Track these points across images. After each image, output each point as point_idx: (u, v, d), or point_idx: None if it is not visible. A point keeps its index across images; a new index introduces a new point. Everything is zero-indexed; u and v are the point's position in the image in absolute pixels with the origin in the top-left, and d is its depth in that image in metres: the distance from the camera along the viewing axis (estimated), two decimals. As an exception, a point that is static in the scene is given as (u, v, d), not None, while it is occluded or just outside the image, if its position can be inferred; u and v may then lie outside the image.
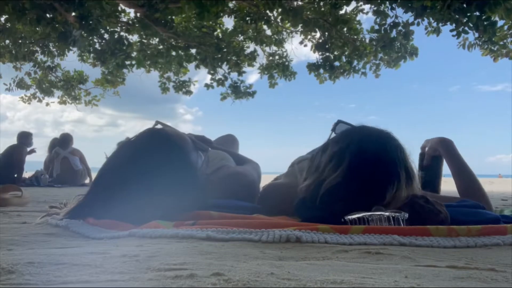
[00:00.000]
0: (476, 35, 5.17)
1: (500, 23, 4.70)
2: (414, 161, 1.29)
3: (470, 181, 1.52)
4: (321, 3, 6.85)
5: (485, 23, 4.39)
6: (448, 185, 1.89)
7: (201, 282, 0.54)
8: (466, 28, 4.58)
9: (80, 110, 10.38)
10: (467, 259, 0.77)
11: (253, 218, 1.20)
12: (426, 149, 1.73)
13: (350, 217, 1.09)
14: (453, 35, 4.76)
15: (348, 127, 1.42)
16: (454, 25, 4.60)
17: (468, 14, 4.35)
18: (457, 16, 4.42)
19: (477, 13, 4.35)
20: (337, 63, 7.91)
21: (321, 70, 7.93)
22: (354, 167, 1.20)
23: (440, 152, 1.65)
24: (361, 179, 1.19)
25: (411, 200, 1.15)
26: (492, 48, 6.02)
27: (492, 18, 4.41)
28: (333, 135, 1.43)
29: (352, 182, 1.19)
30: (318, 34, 7.61)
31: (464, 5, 4.32)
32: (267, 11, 6.98)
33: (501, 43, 5.91)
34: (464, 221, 1.09)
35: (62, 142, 6.50)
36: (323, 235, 0.96)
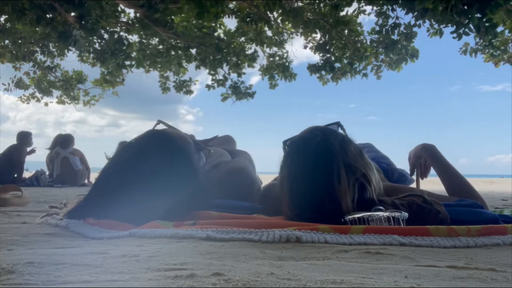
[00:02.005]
0: (477, 39, 5.17)
1: (500, 28, 4.70)
2: (359, 153, 1.26)
3: (459, 181, 1.52)
4: (321, 5, 6.84)
5: (487, 24, 4.38)
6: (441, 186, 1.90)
7: (201, 282, 0.54)
8: (467, 30, 4.57)
9: (82, 110, 10.41)
10: (467, 259, 0.77)
11: (253, 218, 1.20)
12: (411, 158, 1.73)
13: (350, 217, 1.09)
14: (453, 37, 4.75)
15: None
16: (454, 27, 4.60)
17: (470, 16, 4.34)
18: (458, 18, 4.41)
19: (479, 15, 4.35)
20: (337, 64, 7.91)
21: (323, 72, 7.93)
22: (293, 182, 1.22)
23: (425, 157, 1.66)
24: (306, 191, 1.19)
25: (409, 200, 1.15)
26: (494, 53, 6.02)
27: (494, 20, 4.41)
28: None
29: (300, 197, 1.20)
30: (318, 36, 7.61)
31: (465, 7, 4.32)
32: (268, 12, 6.98)
33: (502, 48, 5.90)
34: (464, 221, 1.09)
35: (63, 142, 6.50)
36: (323, 235, 0.96)
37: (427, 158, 1.67)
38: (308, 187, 1.18)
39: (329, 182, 1.15)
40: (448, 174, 1.56)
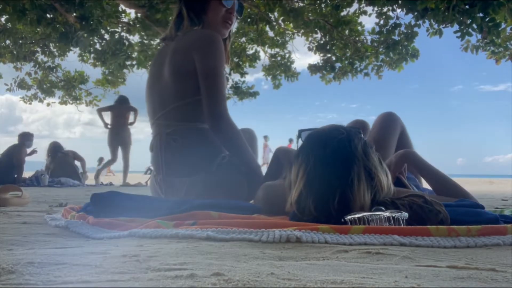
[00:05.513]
0: (479, 36, 5.15)
1: (503, 25, 4.68)
2: (379, 161, 1.24)
3: (448, 184, 1.51)
4: (322, 5, 6.84)
5: (489, 24, 4.37)
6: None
7: (201, 282, 0.54)
8: (470, 30, 4.55)
9: (91, 113, 10.42)
10: (467, 259, 0.77)
11: (253, 218, 1.20)
12: (391, 168, 1.69)
13: (350, 217, 1.09)
14: (457, 37, 4.73)
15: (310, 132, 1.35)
16: (458, 26, 4.58)
17: (472, 16, 4.33)
18: (460, 18, 4.40)
19: (481, 15, 4.34)
20: (338, 64, 7.90)
21: (323, 72, 7.93)
22: (309, 173, 1.19)
23: (408, 164, 1.62)
24: (318, 183, 1.17)
25: (409, 201, 1.15)
26: (495, 50, 6.01)
27: (497, 20, 4.39)
28: (300, 142, 1.39)
29: (310, 188, 1.18)
30: (319, 35, 7.60)
31: (467, 7, 4.31)
32: (268, 13, 6.98)
33: (504, 45, 5.90)
34: (464, 221, 1.09)
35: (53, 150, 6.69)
36: (323, 235, 0.96)
37: (410, 167, 1.62)
38: (324, 180, 1.17)
39: (347, 180, 1.14)
40: (436, 178, 1.53)
